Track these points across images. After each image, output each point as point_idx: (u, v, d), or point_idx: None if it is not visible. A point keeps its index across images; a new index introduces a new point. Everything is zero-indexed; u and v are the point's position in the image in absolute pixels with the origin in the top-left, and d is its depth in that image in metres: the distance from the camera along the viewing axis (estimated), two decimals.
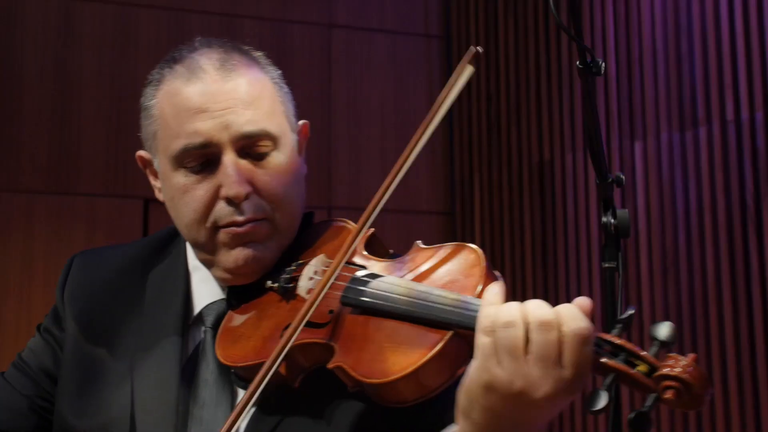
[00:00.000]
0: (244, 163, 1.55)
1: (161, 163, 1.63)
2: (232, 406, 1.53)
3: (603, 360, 1.19)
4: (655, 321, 3.68)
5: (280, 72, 1.69)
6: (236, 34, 4.62)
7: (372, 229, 1.56)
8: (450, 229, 4.85)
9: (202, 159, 1.55)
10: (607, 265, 1.84)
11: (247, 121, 1.55)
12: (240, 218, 1.54)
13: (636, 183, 3.82)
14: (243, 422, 1.49)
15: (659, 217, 3.73)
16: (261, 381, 1.36)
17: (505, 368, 1.19)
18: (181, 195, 1.58)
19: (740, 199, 3.43)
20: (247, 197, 1.54)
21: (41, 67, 4.39)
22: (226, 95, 1.55)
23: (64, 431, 1.62)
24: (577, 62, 1.70)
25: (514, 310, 1.21)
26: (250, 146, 1.56)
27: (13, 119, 4.32)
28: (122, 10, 4.53)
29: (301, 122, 1.71)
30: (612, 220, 1.82)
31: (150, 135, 1.66)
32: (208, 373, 1.55)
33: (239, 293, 1.59)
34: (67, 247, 4.27)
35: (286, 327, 1.42)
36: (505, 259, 4.47)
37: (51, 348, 1.72)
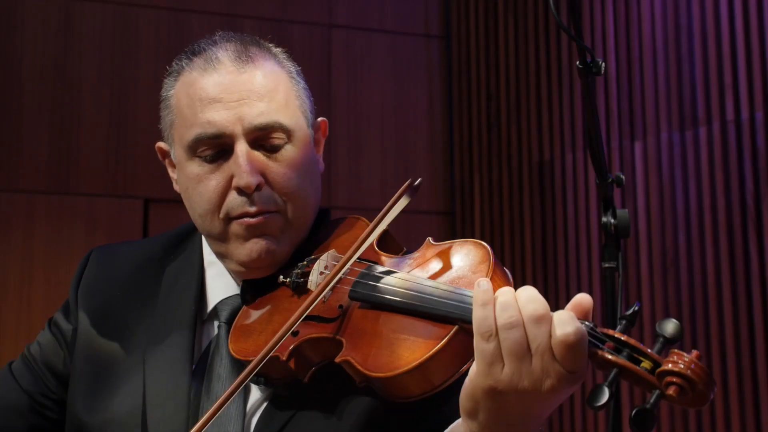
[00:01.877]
0: (257, 155, 1.56)
1: (177, 153, 1.64)
2: (246, 400, 1.53)
3: (606, 356, 1.18)
4: (655, 320, 3.68)
5: (299, 68, 1.70)
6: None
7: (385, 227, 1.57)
8: (450, 229, 4.85)
9: (216, 149, 1.56)
10: (607, 265, 1.84)
11: (261, 113, 1.56)
12: (252, 209, 1.55)
13: (636, 183, 3.82)
14: (254, 419, 1.51)
15: (659, 217, 3.73)
16: (255, 367, 1.37)
17: (512, 370, 1.19)
18: (195, 185, 1.59)
19: (740, 199, 3.43)
20: (259, 188, 1.55)
21: (41, 67, 4.39)
22: (241, 86, 1.57)
23: (76, 426, 1.62)
24: (577, 62, 1.70)
25: (512, 309, 1.20)
26: (263, 138, 1.57)
27: (13, 119, 4.32)
28: (122, 10, 4.53)
29: (320, 119, 1.72)
30: (612, 220, 1.82)
31: (167, 125, 1.65)
32: (221, 368, 1.55)
33: (254, 288, 1.60)
34: (67, 247, 4.27)
35: (302, 318, 1.43)
36: (505, 259, 4.47)
37: (57, 343, 1.73)
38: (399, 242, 1.59)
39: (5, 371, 1.74)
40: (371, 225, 1.48)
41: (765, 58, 3.41)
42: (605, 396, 1.12)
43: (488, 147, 4.70)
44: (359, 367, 1.35)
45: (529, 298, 1.21)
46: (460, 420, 1.29)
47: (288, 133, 1.58)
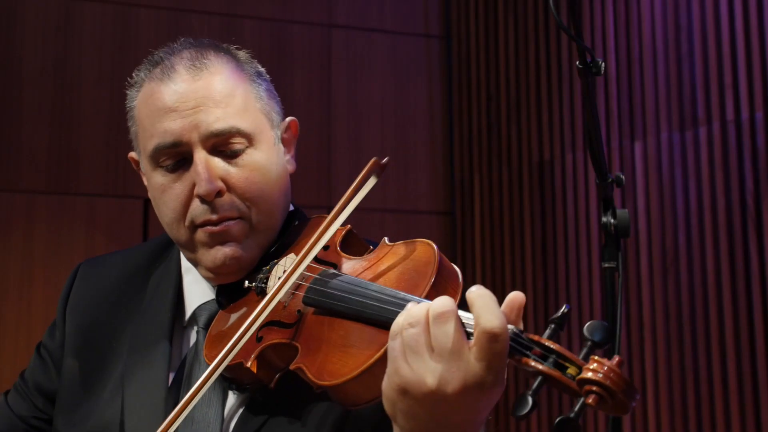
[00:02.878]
0: (216, 161, 1.56)
1: (143, 163, 1.66)
2: (223, 405, 1.54)
3: (531, 363, 1.16)
4: (655, 321, 3.69)
5: (262, 69, 1.69)
6: (236, 34, 4.61)
7: (347, 226, 1.57)
8: (450, 229, 4.85)
9: (175, 158, 1.57)
10: (607, 265, 1.84)
11: (216, 119, 1.56)
12: (214, 217, 1.56)
13: (636, 183, 3.82)
14: (232, 424, 1.52)
15: (659, 217, 3.73)
16: (209, 376, 1.39)
17: (413, 368, 1.18)
18: (161, 194, 1.60)
19: (740, 199, 3.43)
20: (220, 194, 1.55)
21: (41, 67, 4.38)
22: (196, 93, 1.57)
23: None
24: (577, 62, 1.70)
25: (418, 309, 1.20)
26: (222, 144, 1.57)
27: (13, 119, 4.32)
28: (122, 10, 4.53)
29: (288, 119, 1.71)
30: (612, 220, 1.82)
31: (134, 136, 1.68)
32: (200, 374, 1.55)
33: (227, 293, 1.61)
34: (67, 247, 4.27)
35: (262, 326, 1.45)
36: (505, 259, 4.47)
37: (45, 364, 1.75)
38: (364, 242, 1.58)
39: (1, 401, 1.77)
40: (325, 221, 1.48)
41: (765, 58, 3.41)
42: (527, 405, 1.11)
43: (488, 147, 4.70)
44: (310, 375, 1.36)
45: (443, 298, 1.21)
46: None
47: (247, 137, 1.58)
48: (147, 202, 4.43)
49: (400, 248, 1.46)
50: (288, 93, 4.66)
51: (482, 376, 1.16)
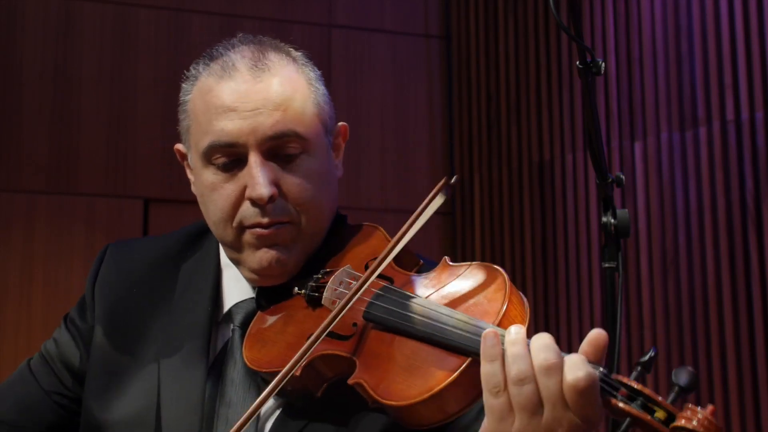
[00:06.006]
0: (271, 165, 1.55)
1: (193, 158, 1.63)
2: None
3: (619, 404, 1.15)
4: (655, 321, 3.69)
5: (319, 73, 1.68)
6: (236, 34, 4.62)
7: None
8: (450, 229, 4.85)
9: (230, 157, 1.55)
10: (607, 265, 1.84)
11: (275, 122, 1.54)
12: (264, 220, 1.54)
13: (636, 183, 3.82)
14: (268, 424, 1.50)
15: (659, 217, 3.73)
16: (274, 389, 1.36)
17: (521, 423, 1.17)
18: (210, 192, 1.58)
19: (740, 199, 3.43)
20: (272, 199, 1.53)
21: (41, 67, 4.39)
22: (256, 95, 1.55)
23: (91, 424, 1.63)
24: (577, 62, 1.70)
25: (523, 363, 1.17)
26: (278, 147, 1.55)
27: (13, 119, 4.32)
28: (122, 10, 4.53)
29: (340, 124, 1.70)
30: (612, 220, 1.82)
31: (185, 129, 1.65)
32: (234, 373, 1.55)
33: (268, 294, 1.59)
34: (67, 247, 4.27)
35: (311, 336, 1.41)
36: (505, 259, 4.47)
37: (74, 340, 1.72)
38: (415, 256, 1.56)
39: (24, 369, 1.74)
40: (398, 234, 1.44)
41: (765, 58, 3.41)
42: None
43: (488, 147, 4.70)
44: (371, 392, 1.34)
45: (541, 346, 1.18)
46: None
47: (303, 142, 1.56)
48: (147, 202, 4.44)
49: (465, 270, 1.44)
50: None
51: (582, 426, 1.15)
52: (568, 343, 3.98)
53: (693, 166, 3.63)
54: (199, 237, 1.75)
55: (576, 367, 1.14)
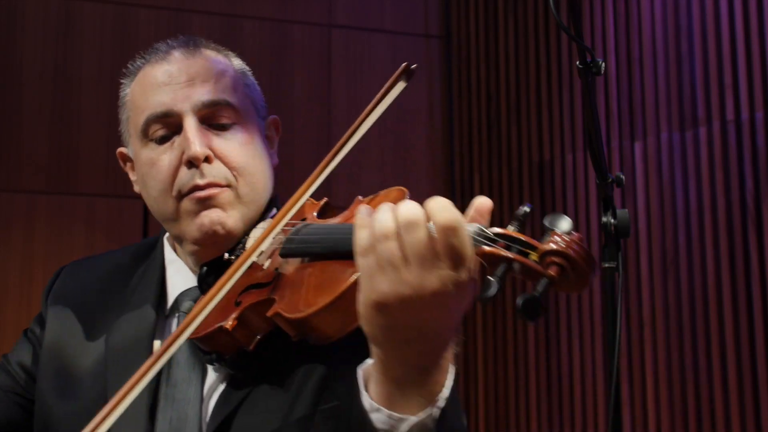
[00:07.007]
0: (207, 132, 1.62)
1: (133, 145, 1.70)
2: (203, 383, 1.57)
3: (493, 251, 1.16)
4: (655, 321, 3.69)
5: (248, 69, 1.76)
6: (236, 34, 4.62)
7: (325, 199, 1.63)
8: None
9: (166, 128, 1.63)
10: (607, 265, 1.84)
11: (208, 90, 1.63)
12: (201, 182, 1.59)
13: (636, 183, 3.82)
14: (212, 400, 1.54)
15: (659, 217, 3.73)
16: (190, 322, 1.38)
17: (390, 281, 1.17)
18: (149, 169, 1.65)
19: (740, 199, 3.43)
20: (208, 161, 1.59)
21: (41, 67, 4.38)
22: (189, 68, 1.65)
23: (45, 418, 1.68)
24: (577, 62, 1.70)
25: (385, 221, 1.19)
26: (211, 116, 1.63)
27: (13, 119, 4.32)
28: (122, 10, 4.53)
29: (271, 116, 1.77)
30: (612, 220, 1.82)
31: (125, 123, 1.73)
32: (179, 354, 1.58)
33: (209, 276, 1.63)
34: (67, 247, 4.27)
35: (241, 292, 1.47)
36: None
37: (31, 345, 1.79)
38: (339, 209, 1.62)
39: None
40: (348, 131, 1.51)
41: (765, 58, 3.41)
42: (493, 288, 1.11)
43: (488, 147, 4.70)
44: (284, 314, 1.37)
45: (404, 206, 1.19)
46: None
47: (236, 114, 1.64)
48: None
49: (371, 198, 1.49)
50: (288, 93, 4.67)
51: (454, 274, 1.16)
52: (568, 344, 3.98)
53: (693, 166, 3.62)
54: (152, 247, 1.80)
55: (442, 209, 1.16)
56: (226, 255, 1.60)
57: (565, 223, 1.16)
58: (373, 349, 1.26)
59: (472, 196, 4.44)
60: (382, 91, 1.50)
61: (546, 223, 1.17)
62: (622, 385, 3.73)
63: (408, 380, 1.23)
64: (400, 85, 1.51)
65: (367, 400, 1.27)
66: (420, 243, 1.16)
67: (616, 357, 1.85)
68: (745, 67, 3.46)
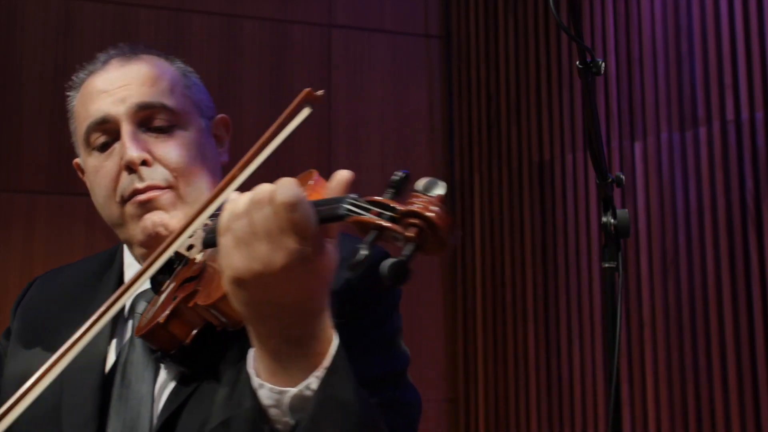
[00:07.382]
0: (144, 136, 1.63)
1: (82, 156, 1.72)
2: (155, 381, 1.58)
3: (358, 218, 1.17)
4: (655, 321, 3.69)
5: (192, 70, 1.77)
6: (236, 34, 4.63)
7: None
8: None
9: (106, 135, 1.65)
10: (607, 265, 1.85)
11: (143, 93, 1.64)
12: (140, 185, 1.61)
13: (636, 183, 3.82)
14: (162, 397, 1.55)
15: (659, 217, 3.73)
16: (116, 297, 1.42)
17: (243, 257, 1.22)
18: (94, 176, 1.68)
19: (740, 199, 3.43)
20: (145, 164, 1.61)
21: (41, 67, 4.38)
22: (125, 75, 1.67)
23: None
24: (577, 62, 1.70)
25: (240, 201, 1.24)
26: (148, 119, 1.64)
27: (13, 119, 4.32)
28: (122, 10, 4.53)
29: (220, 115, 1.78)
30: (612, 220, 1.82)
31: (73, 134, 1.75)
32: (133, 355, 1.60)
33: (159, 276, 1.64)
34: (67, 247, 4.27)
35: (180, 284, 1.49)
36: (505, 259, 4.47)
37: None
38: None
39: None
40: (253, 149, 1.46)
41: (765, 58, 3.41)
42: (360, 255, 1.10)
43: (488, 147, 4.70)
44: (201, 303, 1.39)
45: (256, 188, 1.25)
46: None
47: (174, 116, 1.65)
48: None
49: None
50: (288, 93, 4.65)
51: (299, 248, 1.20)
52: (568, 344, 3.98)
53: (693, 166, 3.63)
54: (115, 253, 1.82)
55: (282, 187, 1.21)
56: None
57: (432, 186, 1.15)
58: (246, 325, 1.30)
59: (472, 196, 4.44)
60: (283, 116, 1.48)
61: (415, 186, 1.17)
62: (622, 385, 3.73)
63: (282, 352, 1.26)
64: (305, 111, 1.49)
65: (256, 380, 1.29)
66: (266, 220, 1.21)
67: (616, 357, 1.85)
68: (745, 67, 3.47)
